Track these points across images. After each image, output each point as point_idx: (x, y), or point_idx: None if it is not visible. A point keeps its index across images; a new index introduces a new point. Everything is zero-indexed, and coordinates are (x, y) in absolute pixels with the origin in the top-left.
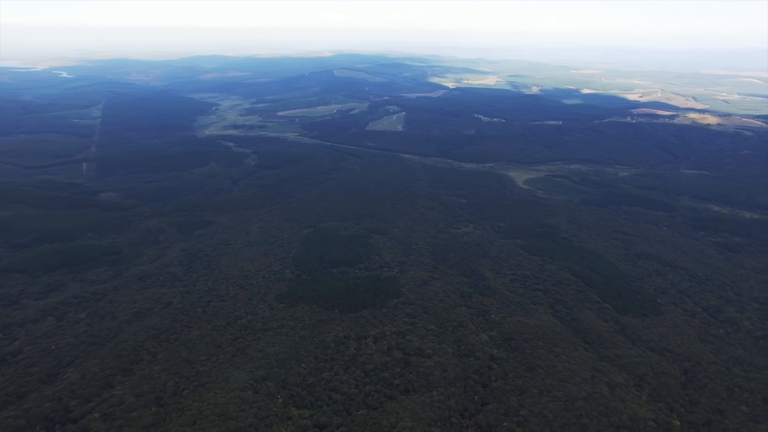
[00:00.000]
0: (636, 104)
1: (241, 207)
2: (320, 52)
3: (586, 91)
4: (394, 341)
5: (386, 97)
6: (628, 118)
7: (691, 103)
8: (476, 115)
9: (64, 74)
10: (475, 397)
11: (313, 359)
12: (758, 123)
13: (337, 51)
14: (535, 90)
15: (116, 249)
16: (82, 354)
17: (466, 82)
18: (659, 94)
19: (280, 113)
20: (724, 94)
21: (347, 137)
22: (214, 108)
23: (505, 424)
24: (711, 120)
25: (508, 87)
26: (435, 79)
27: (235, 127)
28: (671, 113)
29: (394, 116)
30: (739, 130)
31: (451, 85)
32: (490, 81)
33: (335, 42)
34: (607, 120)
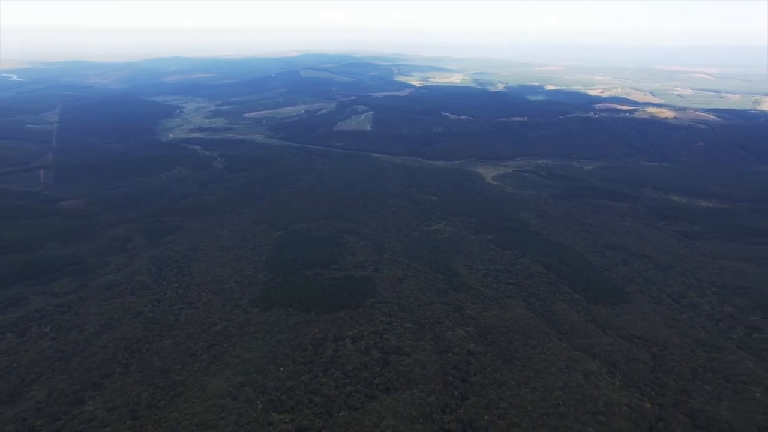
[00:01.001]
0: (597, 99)
1: (210, 211)
2: (286, 53)
3: (549, 87)
4: (372, 341)
5: (353, 97)
6: (591, 113)
7: (649, 98)
8: (443, 113)
9: (15, 77)
10: (455, 392)
11: (291, 362)
12: (710, 116)
13: (302, 51)
14: (500, 87)
15: (81, 259)
16: (48, 370)
17: (432, 80)
18: (619, 90)
19: (247, 115)
20: (679, 89)
21: (316, 137)
22: (178, 111)
23: (486, 417)
24: (668, 114)
25: (473, 84)
26: (401, 78)
27: (201, 129)
28: (631, 108)
29: (362, 116)
30: (693, 124)
31: (417, 83)
32: (455, 79)
33: (312, 42)
34: (570, 115)
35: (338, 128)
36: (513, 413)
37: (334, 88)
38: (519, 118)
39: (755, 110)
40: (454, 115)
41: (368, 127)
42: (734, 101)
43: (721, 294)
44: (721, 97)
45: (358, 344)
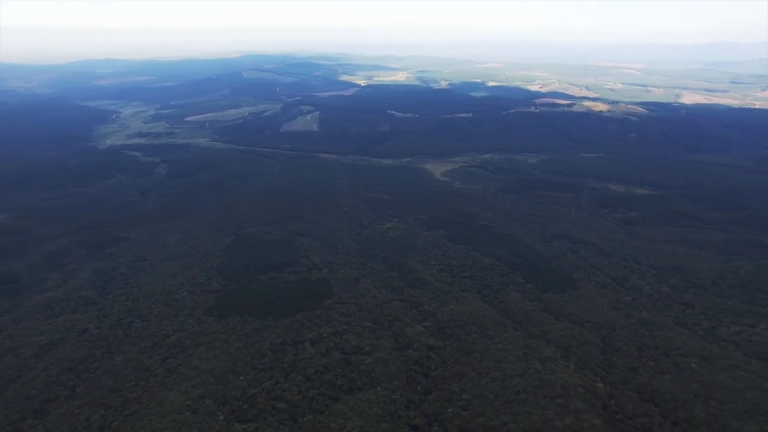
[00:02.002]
0: (537, 94)
1: (155, 219)
2: (226, 54)
3: (491, 83)
4: (332, 342)
5: (299, 97)
6: (532, 108)
7: (585, 92)
8: (390, 111)
9: None
10: (418, 387)
11: (251, 370)
12: (640, 109)
13: (243, 52)
14: (444, 84)
15: (13, 277)
16: None
17: (377, 79)
18: (557, 85)
19: (189, 118)
20: (611, 83)
21: (262, 140)
22: (114, 116)
23: (450, 409)
24: (602, 107)
25: (417, 82)
26: (346, 77)
27: (140, 135)
28: (569, 102)
29: (309, 116)
30: (626, 116)
31: (362, 82)
32: (400, 77)
33: (254, 43)
34: (513, 110)
35: (285, 129)
36: (476, 403)
37: (278, 89)
38: (464, 115)
39: (677, 103)
40: (400, 113)
41: (315, 128)
42: (659, 95)
43: (659, 275)
44: (648, 91)
45: (318, 347)
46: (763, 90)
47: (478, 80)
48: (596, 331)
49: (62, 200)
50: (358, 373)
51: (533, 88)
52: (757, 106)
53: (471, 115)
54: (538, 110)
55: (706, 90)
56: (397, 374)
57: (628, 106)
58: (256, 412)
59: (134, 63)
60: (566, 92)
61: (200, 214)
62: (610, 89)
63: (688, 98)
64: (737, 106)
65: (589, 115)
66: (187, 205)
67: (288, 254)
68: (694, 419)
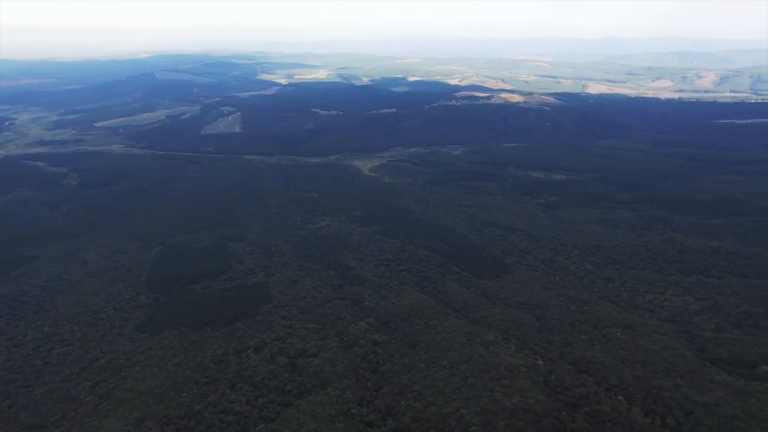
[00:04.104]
0: (457, 88)
1: (69, 234)
2: (136, 54)
3: (412, 78)
4: (276, 347)
5: (218, 98)
6: (453, 101)
7: (501, 85)
8: (313, 110)
9: None
10: (369, 384)
11: (193, 385)
12: (552, 100)
13: (154, 52)
14: (365, 81)
15: None
16: None
17: (297, 77)
18: (475, 78)
19: (99, 124)
20: (524, 76)
21: (182, 144)
22: (7, 123)
23: (402, 402)
24: (518, 99)
25: (339, 79)
26: (266, 76)
27: (43, 143)
28: (487, 95)
29: (230, 117)
30: (540, 107)
31: (283, 81)
32: (321, 75)
33: (163, 42)
34: (435, 104)
35: (206, 132)
36: (427, 393)
37: (195, 90)
38: (388, 110)
39: (584, 93)
40: (324, 111)
41: (238, 129)
42: (568, 86)
43: (582, 254)
44: (558, 83)
45: (262, 353)
46: (653, 81)
47: (399, 75)
48: (531, 312)
49: None
50: (307, 375)
51: (453, 81)
52: (650, 95)
53: (395, 110)
54: (459, 103)
55: (608, 81)
56: (346, 373)
57: (541, 97)
58: (204, 428)
59: (28, 64)
60: (484, 85)
61: (121, 225)
62: (524, 81)
63: (594, 88)
64: (634, 95)
65: (507, 107)
66: (105, 216)
67: (221, 261)
68: (623, 383)
